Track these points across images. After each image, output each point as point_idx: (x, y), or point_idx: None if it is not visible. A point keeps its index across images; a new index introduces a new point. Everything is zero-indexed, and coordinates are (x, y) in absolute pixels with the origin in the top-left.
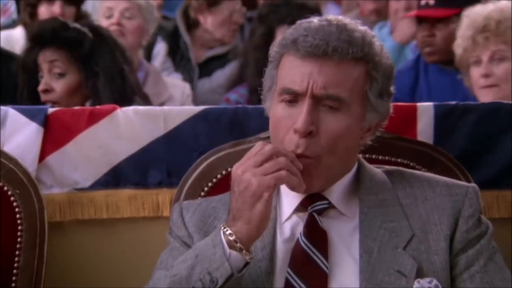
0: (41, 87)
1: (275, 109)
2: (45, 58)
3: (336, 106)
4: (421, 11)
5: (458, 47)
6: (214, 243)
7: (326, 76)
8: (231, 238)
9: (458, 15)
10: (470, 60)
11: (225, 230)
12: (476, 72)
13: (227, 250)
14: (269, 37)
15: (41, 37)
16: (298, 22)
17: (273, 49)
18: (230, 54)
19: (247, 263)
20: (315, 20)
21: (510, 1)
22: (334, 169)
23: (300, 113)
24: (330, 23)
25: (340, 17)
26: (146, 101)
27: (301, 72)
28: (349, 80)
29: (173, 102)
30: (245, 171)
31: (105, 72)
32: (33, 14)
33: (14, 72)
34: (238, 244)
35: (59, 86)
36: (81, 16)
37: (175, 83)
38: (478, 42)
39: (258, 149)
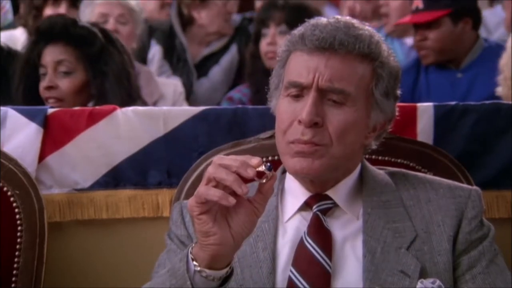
0: (45, 84)
1: (280, 104)
2: (51, 56)
3: (340, 101)
4: (411, 16)
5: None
6: (181, 257)
7: (332, 69)
8: (193, 263)
9: (451, 15)
10: None
11: (193, 247)
12: None
13: (192, 267)
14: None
15: (50, 33)
16: (307, 20)
17: (281, 49)
18: (230, 46)
19: (230, 274)
20: (323, 18)
21: None
22: (339, 161)
23: (303, 105)
24: (338, 20)
25: (349, 17)
26: (145, 105)
27: (307, 66)
28: (355, 75)
29: (164, 100)
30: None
31: (114, 73)
32: (38, 17)
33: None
34: (199, 268)
35: (64, 84)
36: None
37: (166, 81)
38: None
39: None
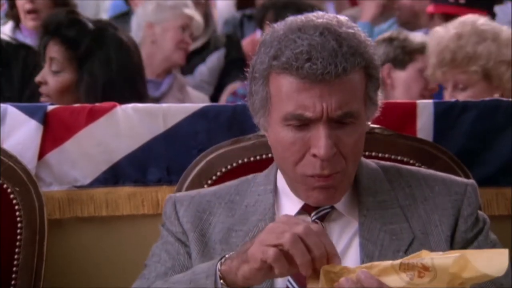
0: (37, 78)
1: (281, 133)
2: (49, 52)
3: (350, 121)
4: (451, 8)
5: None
6: (208, 273)
7: (337, 95)
8: (221, 281)
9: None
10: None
11: (222, 261)
12: (445, 96)
13: (219, 285)
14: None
15: (47, 28)
16: (286, 31)
17: (258, 66)
18: (211, 45)
19: None
20: (306, 32)
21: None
22: (352, 175)
23: (315, 137)
24: (325, 35)
25: (327, 22)
26: None
27: (310, 96)
28: (356, 90)
29: None
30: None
31: (92, 78)
32: (13, 5)
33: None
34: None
35: (53, 81)
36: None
37: (196, 94)
38: (438, 74)
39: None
